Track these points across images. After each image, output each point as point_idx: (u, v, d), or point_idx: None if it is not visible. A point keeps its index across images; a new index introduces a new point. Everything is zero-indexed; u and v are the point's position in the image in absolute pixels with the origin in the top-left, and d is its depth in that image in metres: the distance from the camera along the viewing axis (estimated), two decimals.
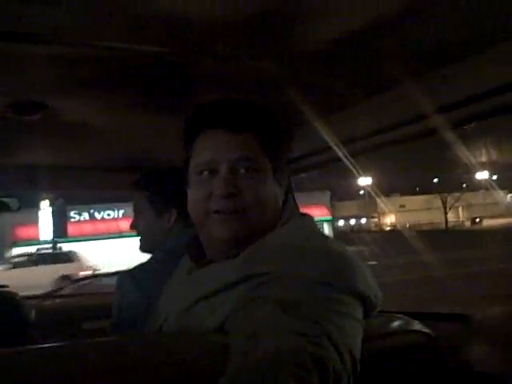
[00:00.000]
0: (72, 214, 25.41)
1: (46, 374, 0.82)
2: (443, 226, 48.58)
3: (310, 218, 1.23)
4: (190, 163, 1.20)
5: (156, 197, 1.80)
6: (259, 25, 1.09)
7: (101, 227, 26.58)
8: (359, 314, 0.99)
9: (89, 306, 2.42)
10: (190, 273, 1.24)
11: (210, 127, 1.16)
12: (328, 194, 30.03)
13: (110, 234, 25.88)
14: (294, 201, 2.17)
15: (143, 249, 1.88)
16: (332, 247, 1.06)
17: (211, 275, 1.12)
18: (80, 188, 2.46)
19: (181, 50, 1.19)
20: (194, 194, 1.18)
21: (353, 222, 56.51)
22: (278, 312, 0.91)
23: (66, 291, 2.83)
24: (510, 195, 57.48)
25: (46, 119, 1.53)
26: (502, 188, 51.44)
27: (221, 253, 1.14)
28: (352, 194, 52.72)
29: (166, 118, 1.25)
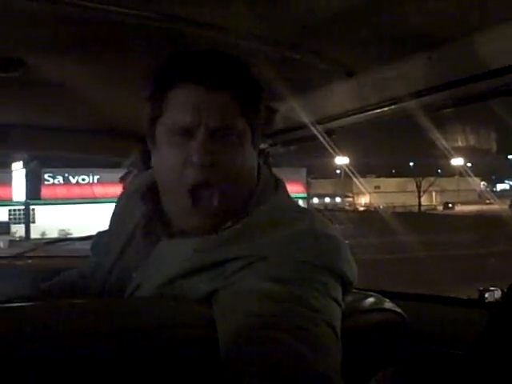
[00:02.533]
0: (46, 176, 25.11)
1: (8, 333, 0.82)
2: (416, 209, 49.06)
3: (284, 187, 1.18)
4: (158, 121, 1.07)
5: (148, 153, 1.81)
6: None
7: (75, 191, 26.36)
8: (340, 296, 0.99)
9: (59, 268, 2.40)
10: (148, 234, 1.15)
11: (186, 80, 1.03)
12: (304, 171, 30.10)
13: (84, 198, 25.69)
14: (271, 170, 2.18)
15: None
16: (317, 228, 1.04)
17: (188, 250, 1.04)
18: (56, 150, 2.43)
19: (163, 16, 1.16)
20: (164, 159, 1.06)
21: (327, 200, 56.74)
22: (268, 286, 0.92)
23: (38, 253, 2.80)
24: (483, 183, 58.22)
25: (24, 77, 1.51)
26: (476, 175, 52.13)
27: (193, 226, 1.08)
28: (328, 172, 52.86)
29: (145, 84, 1.23)
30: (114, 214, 1.34)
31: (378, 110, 1.54)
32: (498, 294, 1.60)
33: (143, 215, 1.18)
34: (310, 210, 1.20)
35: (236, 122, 1.04)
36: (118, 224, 1.29)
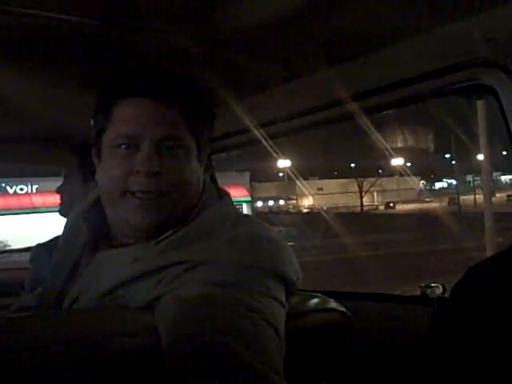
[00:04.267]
0: None
1: None
2: (359, 209, 50.01)
3: (229, 198, 1.19)
4: (104, 134, 1.07)
5: (86, 162, 1.77)
6: (184, 2, 1.07)
7: (13, 202, 25.60)
8: (283, 297, 1.00)
9: None
10: (94, 251, 1.13)
11: (131, 95, 1.04)
12: (248, 174, 30.19)
13: (22, 208, 25.00)
14: (215, 180, 2.18)
15: (64, 212, 1.84)
16: (259, 232, 1.04)
17: (127, 259, 1.02)
18: None
19: (104, 22, 1.14)
20: (108, 170, 1.05)
21: (271, 203, 57.15)
22: (207, 290, 0.91)
23: None
24: (422, 182, 59.88)
25: None
26: (415, 175, 53.58)
27: (136, 237, 1.07)
28: (272, 175, 53.33)
29: (86, 91, 1.20)
30: (60, 239, 1.31)
31: (318, 113, 1.56)
32: (439, 290, 1.65)
33: (89, 235, 1.16)
34: (251, 216, 1.22)
35: (183, 137, 1.05)
36: (64, 248, 1.25)
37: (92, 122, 1.13)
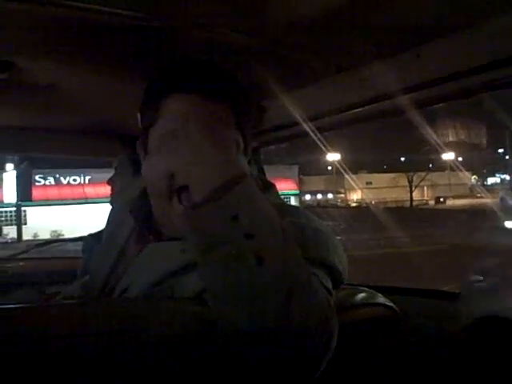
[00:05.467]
0: (37, 177, 25.07)
1: (5, 336, 0.81)
2: (408, 204, 49.26)
3: (275, 190, 1.20)
4: (152, 128, 1.08)
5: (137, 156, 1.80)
6: None
7: (66, 192, 26.29)
8: (330, 286, 0.99)
9: (52, 270, 2.40)
10: (140, 242, 1.15)
11: (180, 91, 1.05)
12: (296, 168, 30.21)
13: (75, 199, 25.64)
14: (263, 172, 2.19)
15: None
16: (304, 223, 1.04)
17: (176, 250, 1.03)
18: (46, 152, 2.42)
19: (156, 16, 1.16)
20: (156, 165, 1.03)
21: (320, 196, 56.86)
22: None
23: (29, 255, 2.79)
24: (474, 177, 58.53)
25: (12, 79, 1.50)
26: (467, 170, 52.36)
27: (183, 232, 1.03)
28: (320, 169, 53.02)
29: (137, 85, 1.22)
30: (105, 229, 1.34)
31: (368, 107, 1.55)
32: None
33: (134, 227, 1.18)
34: (297, 207, 1.21)
35: (231, 132, 1.06)
36: (109, 238, 1.28)
37: (139, 116, 1.14)
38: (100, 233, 1.75)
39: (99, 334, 0.84)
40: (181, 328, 0.89)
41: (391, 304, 1.15)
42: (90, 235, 1.78)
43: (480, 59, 1.23)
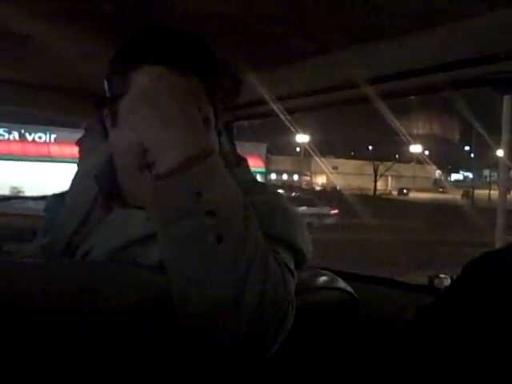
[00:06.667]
0: (1, 131, 24.53)
1: None
2: (371, 192, 49.84)
3: (246, 164, 1.20)
4: (121, 101, 1.05)
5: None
6: None
7: (30, 149, 25.76)
8: (292, 265, 0.99)
9: (11, 227, 2.37)
10: (105, 207, 1.14)
11: (152, 62, 1.03)
12: (264, 146, 30.15)
13: (39, 157, 25.15)
14: (234, 146, 2.18)
15: None
16: (273, 200, 1.05)
17: (141, 218, 1.02)
18: (15, 104, 2.36)
19: None
20: (126, 138, 1.01)
21: (285, 177, 57.09)
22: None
23: None
24: (438, 171, 59.46)
25: None
26: (433, 164, 53.14)
27: (149, 202, 1.01)
28: (288, 149, 53.17)
29: (111, 47, 1.20)
30: (69, 191, 1.32)
31: (340, 92, 1.55)
32: (447, 281, 1.64)
33: (99, 194, 1.17)
34: (267, 184, 1.21)
35: (202, 107, 1.04)
36: (74, 201, 1.26)
37: (106, 84, 1.12)
38: (64, 194, 1.72)
39: (59, 294, 0.83)
40: (139, 295, 0.89)
41: (351, 290, 1.15)
42: (54, 195, 1.75)
43: (459, 54, 1.24)
